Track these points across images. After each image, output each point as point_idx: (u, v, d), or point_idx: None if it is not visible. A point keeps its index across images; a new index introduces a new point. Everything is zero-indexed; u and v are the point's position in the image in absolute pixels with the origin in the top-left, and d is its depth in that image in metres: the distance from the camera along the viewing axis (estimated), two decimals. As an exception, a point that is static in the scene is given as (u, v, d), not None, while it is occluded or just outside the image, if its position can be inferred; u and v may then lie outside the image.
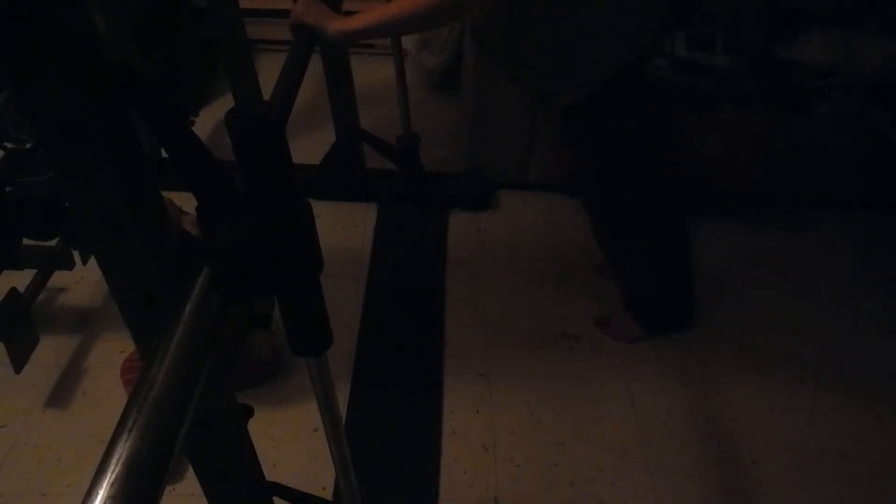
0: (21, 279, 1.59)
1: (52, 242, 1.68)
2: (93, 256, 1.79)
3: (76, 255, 1.72)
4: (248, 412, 1.48)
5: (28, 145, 1.73)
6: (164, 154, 0.77)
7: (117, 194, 0.75)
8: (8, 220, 1.49)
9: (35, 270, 1.66)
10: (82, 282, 1.86)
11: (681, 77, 1.94)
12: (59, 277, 1.73)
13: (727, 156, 2.06)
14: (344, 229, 2.10)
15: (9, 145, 1.80)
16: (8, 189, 1.57)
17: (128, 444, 0.61)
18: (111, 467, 0.59)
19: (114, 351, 1.70)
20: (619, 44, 1.29)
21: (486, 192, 2.23)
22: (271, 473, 1.15)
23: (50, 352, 1.67)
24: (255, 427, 0.98)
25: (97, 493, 0.57)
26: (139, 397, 0.65)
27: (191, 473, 1.43)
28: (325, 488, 1.44)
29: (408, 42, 2.55)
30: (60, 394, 1.60)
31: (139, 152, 0.79)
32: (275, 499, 1.18)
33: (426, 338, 1.80)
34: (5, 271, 1.53)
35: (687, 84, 1.94)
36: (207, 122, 2.51)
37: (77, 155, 0.73)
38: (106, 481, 0.58)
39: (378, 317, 1.84)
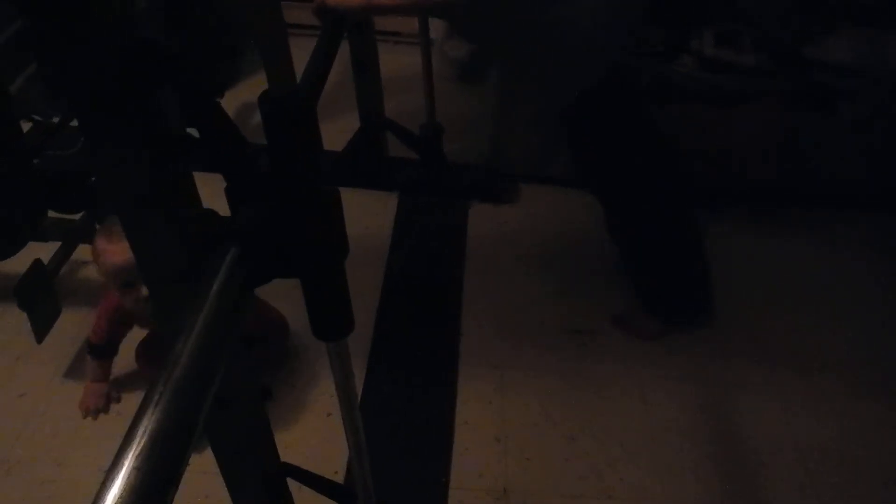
0: (45, 251, 1.62)
1: (77, 216, 1.70)
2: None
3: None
4: (267, 393, 1.50)
5: (56, 119, 1.75)
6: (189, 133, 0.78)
7: (146, 171, 0.75)
8: (35, 193, 1.51)
9: (59, 243, 1.68)
10: (104, 256, 1.88)
11: (707, 75, 1.93)
12: (82, 251, 1.76)
13: (749, 154, 2.04)
14: (364, 217, 2.11)
15: (37, 118, 1.82)
16: (36, 161, 1.59)
17: (153, 417, 0.62)
18: (136, 439, 0.60)
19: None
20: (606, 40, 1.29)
21: (507, 185, 2.23)
22: (284, 455, 1.16)
23: (71, 324, 1.69)
24: (268, 409, 0.99)
25: (123, 464, 0.58)
26: (165, 373, 0.66)
27: (207, 451, 1.45)
28: (336, 472, 1.45)
29: (434, 31, 2.55)
30: (79, 365, 1.63)
31: (168, 130, 0.80)
32: (288, 480, 1.19)
33: (442, 328, 1.80)
34: (30, 243, 1.55)
35: (713, 81, 1.93)
36: (229, 105, 2.53)
37: (108, 131, 0.74)
38: (131, 453, 0.59)
39: (395, 305, 1.84)
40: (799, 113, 1.94)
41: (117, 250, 1.33)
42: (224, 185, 0.83)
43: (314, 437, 1.52)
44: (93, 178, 1.62)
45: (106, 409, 1.57)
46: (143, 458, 0.59)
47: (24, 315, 1.51)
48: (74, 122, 1.57)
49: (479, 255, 2.00)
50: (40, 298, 1.52)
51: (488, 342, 1.76)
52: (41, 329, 1.53)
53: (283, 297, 1.55)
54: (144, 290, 1.36)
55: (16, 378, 1.60)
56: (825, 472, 1.51)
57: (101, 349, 1.53)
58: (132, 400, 1.60)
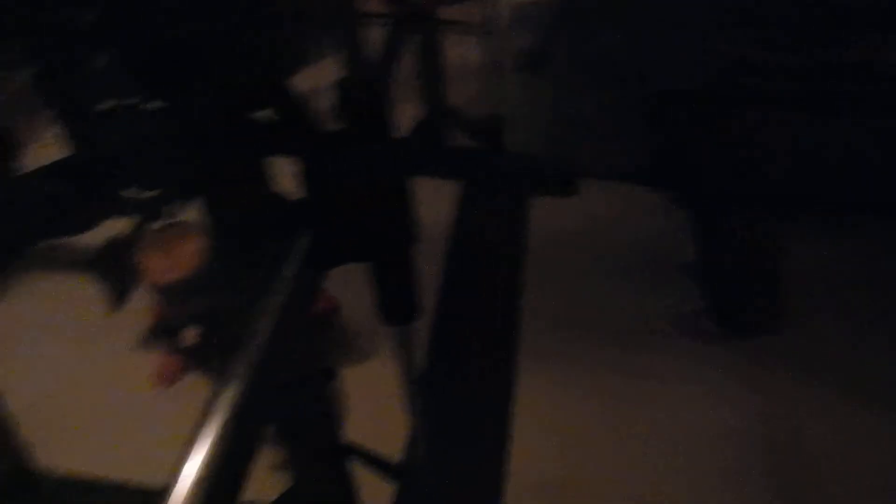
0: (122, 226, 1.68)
1: (152, 193, 1.77)
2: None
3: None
4: (329, 373, 1.53)
5: (133, 103, 1.82)
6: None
7: (226, 151, 0.78)
8: (113, 170, 1.58)
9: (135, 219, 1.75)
10: (175, 231, 1.95)
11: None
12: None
13: (791, 160, 1.98)
14: (422, 205, 2.12)
15: (112, 103, 1.90)
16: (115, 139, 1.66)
17: (231, 393, 0.65)
18: (216, 414, 0.63)
19: (201, 301, 1.78)
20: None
21: (566, 179, 2.21)
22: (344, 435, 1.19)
23: (144, 296, 1.76)
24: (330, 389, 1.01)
25: (203, 437, 0.61)
26: (245, 348, 0.68)
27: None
28: (395, 454, 1.48)
29: (501, 20, 2.54)
30: (152, 336, 1.70)
31: (248, 112, 0.83)
32: (349, 459, 1.22)
33: (502, 318, 1.81)
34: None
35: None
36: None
37: (189, 113, 0.78)
38: (211, 426, 0.62)
39: (455, 293, 1.86)
40: (829, 118, 1.85)
41: (170, 266, 1.45)
42: (297, 168, 0.86)
43: (373, 418, 1.55)
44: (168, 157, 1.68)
45: (175, 381, 1.63)
46: (223, 432, 0.62)
47: (101, 285, 1.58)
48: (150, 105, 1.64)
49: (538, 248, 2.00)
50: (116, 270, 1.59)
51: (546, 335, 1.76)
52: (118, 297, 1.60)
53: (335, 277, 1.58)
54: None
55: (94, 344, 1.68)
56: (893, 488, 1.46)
57: (164, 328, 1.61)
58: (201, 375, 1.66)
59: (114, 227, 1.62)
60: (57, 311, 1.76)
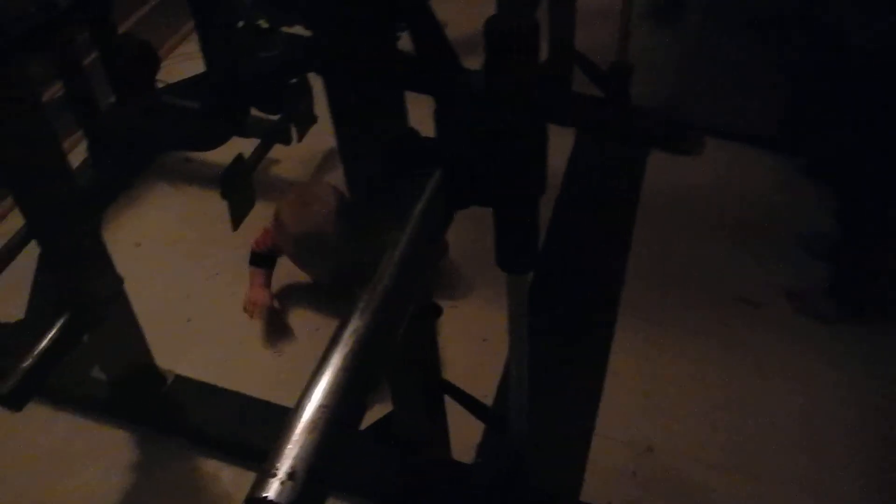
0: (246, 147, 1.73)
1: (276, 117, 1.81)
2: (306, 135, 1.90)
3: (293, 132, 1.85)
4: (438, 311, 1.55)
5: (262, 23, 1.85)
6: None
7: (368, 84, 0.78)
8: (241, 90, 1.62)
9: (258, 140, 1.80)
10: (293, 157, 2.00)
11: None
12: (275, 150, 1.88)
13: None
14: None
15: (243, 23, 1.93)
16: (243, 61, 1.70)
17: (359, 323, 0.66)
18: (343, 342, 0.64)
19: (312, 226, 1.84)
20: None
21: (691, 136, 2.10)
22: (438, 372, 1.21)
23: (261, 217, 1.82)
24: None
25: (330, 363, 0.63)
26: (371, 283, 0.69)
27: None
28: (486, 396, 1.50)
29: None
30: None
31: (395, 47, 0.81)
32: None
33: (605, 273, 1.77)
34: (233, 137, 1.67)
35: None
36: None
37: (339, 45, 0.77)
38: (338, 354, 0.64)
39: (560, 245, 1.83)
40: None
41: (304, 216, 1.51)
42: (434, 107, 0.85)
43: (467, 359, 1.57)
44: (293, 82, 1.71)
45: (265, 311, 1.63)
46: (350, 358, 0.63)
47: (222, 203, 1.65)
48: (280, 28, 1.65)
49: (651, 206, 1.92)
50: (239, 189, 1.65)
51: (650, 296, 1.71)
52: (237, 218, 1.67)
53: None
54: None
55: (210, 258, 1.76)
56: None
57: (260, 257, 1.64)
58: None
59: (238, 147, 1.69)
60: (183, 223, 1.85)
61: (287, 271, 1.69)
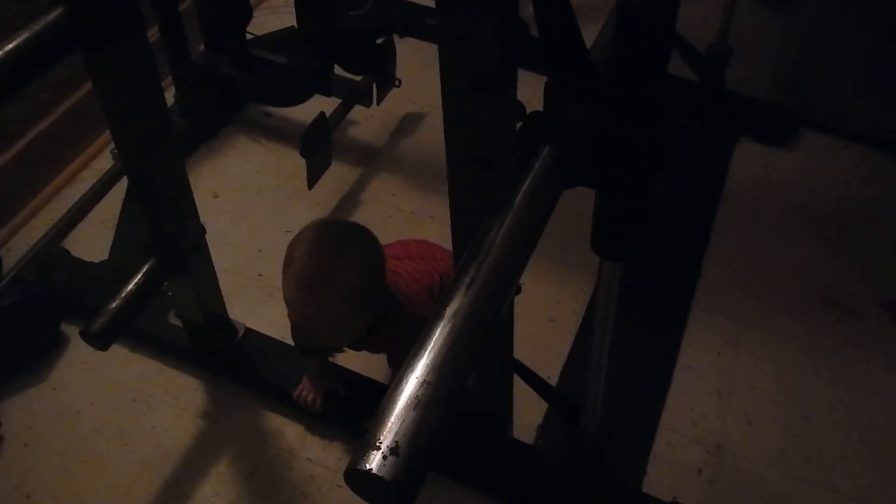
0: (324, 106, 1.72)
1: (359, 78, 1.79)
2: (385, 98, 1.88)
3: (374, 94, 1.83)
4: (518, 288, 1.52)
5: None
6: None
7: (491, 50, 0.74)
8: (329, 49, 1.60)
9: (340, 100, 1.79)
10: (372, 120, 1.98)
11: None
12: (355, 112, 1.86)
13: None
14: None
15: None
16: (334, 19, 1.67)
17: (464, 300, 0.63)
18: (445, 319, 0.62)
19: (386, 191, 1.82)
20: None
21: (786, 127, 2.00)
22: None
23: (336, 177, 1.82)
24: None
25: (432, 338, 0.61)
26: (477, 258, 0.67)
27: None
28: (549, 378, 1.47)
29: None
30: (338, 217, 1.76)
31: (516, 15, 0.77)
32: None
33: (682, 263, 1.71)
34: (315, 95, 1.67)
35: None
36: None
37: (460, 10, 0.73)
38: (440, 330, 0.62)
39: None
40: None
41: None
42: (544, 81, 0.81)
43: (533, 339, 1.54)
44: (380, 42, 1.68)
45: (316, 403, 1.35)
46: (453, 337, 0.61)
47: (299, 160, 1.65)
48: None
49: (737, 198, 1.84)
50: (318, 149, 1.64)
51: (729, 292, 1.64)
52: (314, 177, 1.67)
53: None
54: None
55: (286, 215, 1.77)
56: None
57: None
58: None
59: (319, 106, 1.68)
60: (261, 177, 1.86)
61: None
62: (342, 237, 1.11)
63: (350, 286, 1.05)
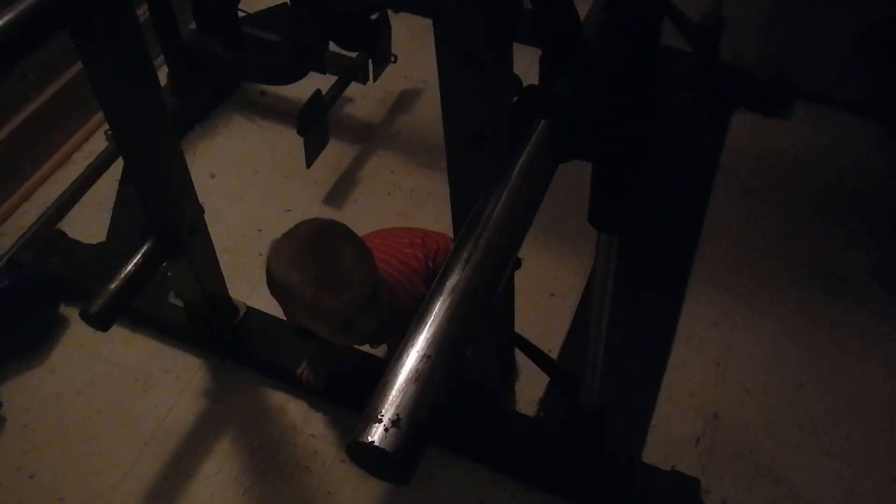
0: (320, 83, 1.71)
1: (354, 54, 1.78)
2: (381, 75, 1.87)
3: (370, 70, 1.82)
4: (518, 262, 1.53)
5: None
6: None
7: (480, 27, 0.74)
8: (322, 25, 1.59)
9: (335, 77, 1.78)
10: (368, 97, 1.97)
11: None
12: (351, 89, 1.86)
13: None
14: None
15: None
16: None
17: (462, 275, 0.64)
18: (445, 294, 0.63)
19: (385, 168, 1.82)
20: None
21: (781, 97, 2.00)
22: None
23: (333, 155, 1.82)
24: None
25: (432, 312, 0.62)
26: (474, 234, 0.67)
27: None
28: (550, 351, 1.48)
29: None
30: (336, 196, 1.76)
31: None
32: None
33: (679, 234, 1.72)
34: (310, 73, 1.65)
35: None
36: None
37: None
38: (441, 303, 0.62)
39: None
40: None
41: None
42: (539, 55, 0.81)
43: (533, 314, 1.55)
44: (373, 17, 1.67)
45: (318, 386, 1.37)
46: (452, 311, 0.62)
47: (296, 139, 1.65)
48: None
49: (733, 169, 1.84)
50: (315, 126, 1.64)
51: (725, 263, 1.65)
52: (311, 155, 1.67)
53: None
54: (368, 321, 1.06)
55: (284, 194, 1.77)
56: None
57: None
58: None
59: (315, 83, 1.67)
60: (257, 157, 1.86)
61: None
62: (328, 231, 1.10)
63: (358, 249, 1.06)
